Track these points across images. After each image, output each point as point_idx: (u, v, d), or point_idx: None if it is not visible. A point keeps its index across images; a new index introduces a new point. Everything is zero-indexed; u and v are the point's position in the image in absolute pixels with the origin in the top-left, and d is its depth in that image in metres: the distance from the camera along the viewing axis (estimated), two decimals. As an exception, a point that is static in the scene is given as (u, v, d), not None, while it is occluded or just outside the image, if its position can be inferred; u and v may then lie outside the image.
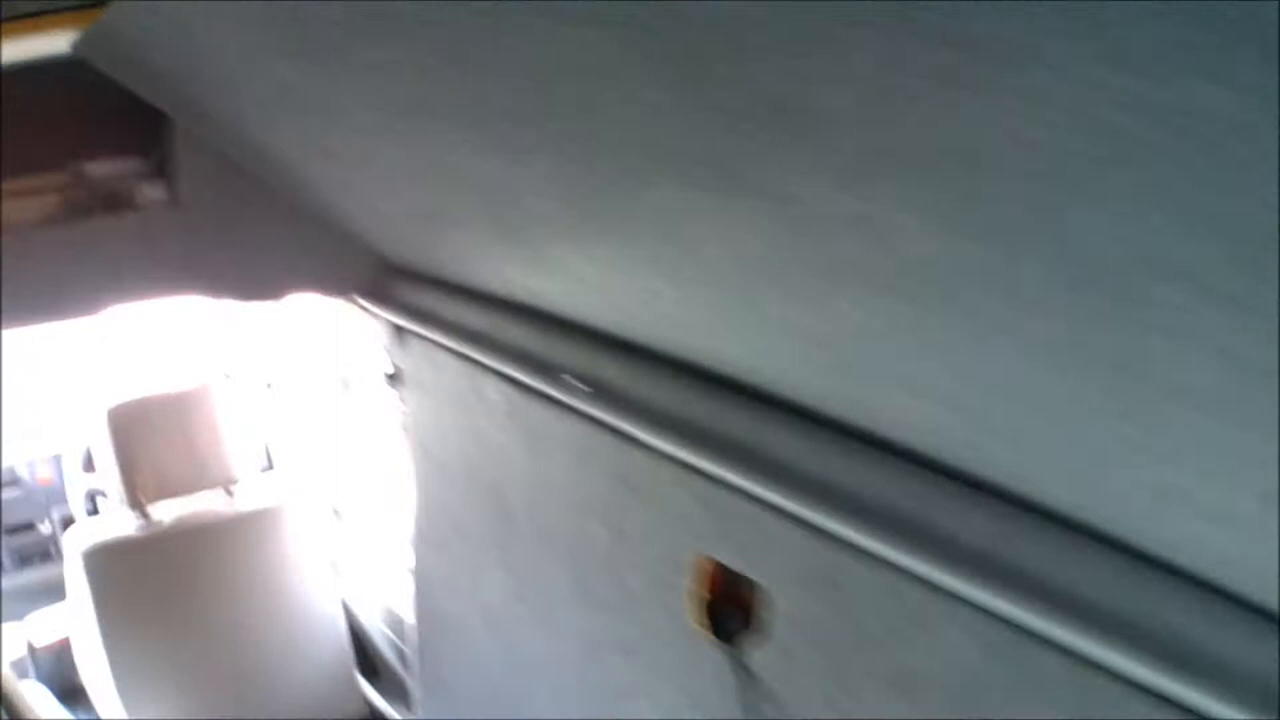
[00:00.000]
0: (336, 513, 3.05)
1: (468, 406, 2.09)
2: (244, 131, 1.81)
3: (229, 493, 2.69)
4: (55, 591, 3.20)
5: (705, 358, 1.33)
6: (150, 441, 2.61)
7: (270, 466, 3.29)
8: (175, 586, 2.64)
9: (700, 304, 1.18)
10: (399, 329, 2.22)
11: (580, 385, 1.56)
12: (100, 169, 2.26)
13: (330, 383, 2.97)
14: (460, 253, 1.82)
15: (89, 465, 3.18)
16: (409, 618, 2.57)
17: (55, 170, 2.27)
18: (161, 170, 2.08)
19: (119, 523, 2.64)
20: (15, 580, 3.32)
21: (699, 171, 0.87)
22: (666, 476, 1.44)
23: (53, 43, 1.85)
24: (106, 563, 2.58)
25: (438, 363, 2.14)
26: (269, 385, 3.32)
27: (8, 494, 3.29)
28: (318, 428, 3.16)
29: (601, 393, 1.54)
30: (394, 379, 2.35)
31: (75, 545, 2.60)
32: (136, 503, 2.59)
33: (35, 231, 2.06)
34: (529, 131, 1.05)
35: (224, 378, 3.20)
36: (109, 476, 2.65)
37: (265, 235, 2.04)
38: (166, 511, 2.66)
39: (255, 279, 2.05)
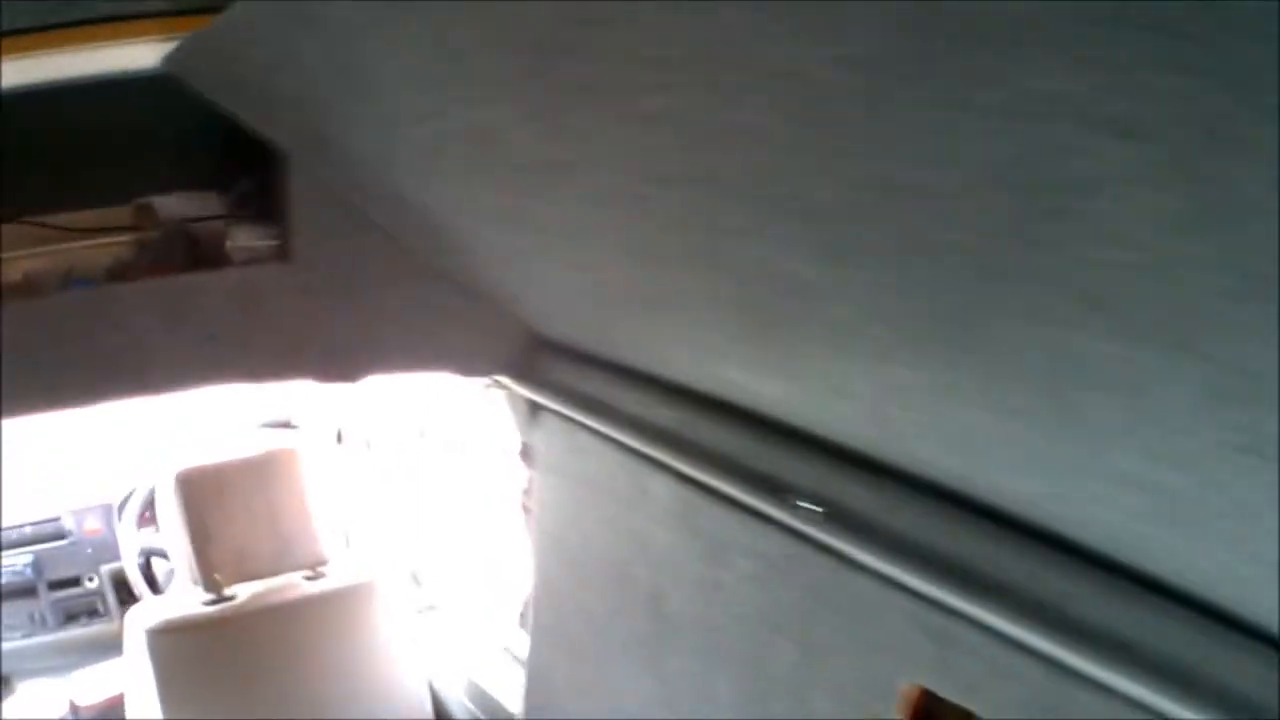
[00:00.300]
0: (416, 580, 2.64)
1: (623, 500, 1.78)
2: (381, 176, 1.40)
3: (319, 574, 2.27)
4: (100, 649, 2.83)
5: (959, 481, 1.13)
6: (228, 515, 2.19)
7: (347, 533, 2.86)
8: (249, 669, 2.24)
9: (1007, 438, 0.97)
10: (534, 405, 1.82)
11: (813, 508, 1.29)
12: (181, 209, 1.84)
13: (419, 445, 2.56)
14: (648, 337, 1.45)
15: (144, 519, 2.75)
16: (512, 705, 2.27)
17: (128, 207, 1.87)
18: (268, 215, 1.65)
19: (187, 599, 2.22)
20: (58, 636, 2.90)
21: (1141, 318, 0.68)
22: (877, 596, 1.24)
23: (137, 55, 1.47)
24: (174, 643, 2.19)
25: (585, 448, 1.78)
26: (339, 437, 2.89)
27: (52, 546, 2.87)
28: (400, 492, 2.75)
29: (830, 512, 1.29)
30: (521, 456, 1.96)
31: (139, 622, 2.19)
32: (212, 585, 2.17)
33: (105, 287, 1.64)
34: (869, 228, 0.78)
35: (293, 429, 2.79)
36: (177, 551, 2.24)
37: (394, 301, 1.63)
38: (242, 587, 2.24)
39: (380, 355, 1.64)
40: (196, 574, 2.19)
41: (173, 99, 1.65)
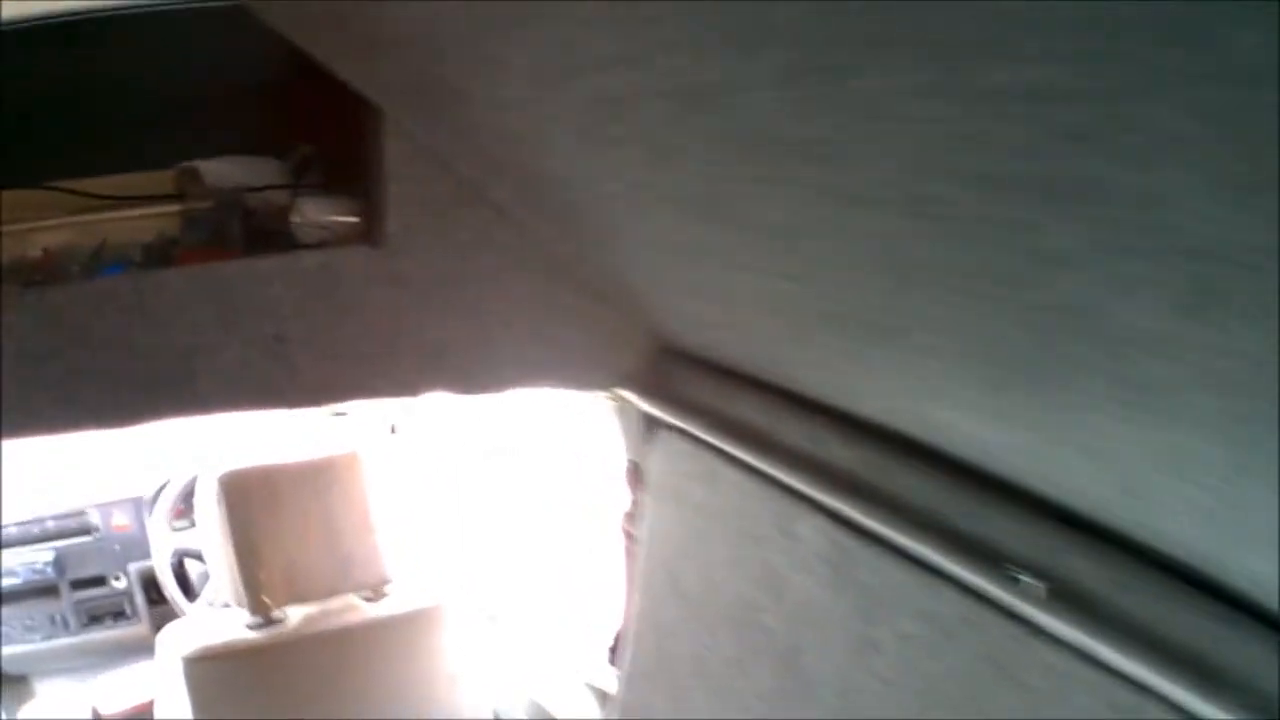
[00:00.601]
0: (475, 589, 2.30)
1: (759, 538, 1.46)
2: (511, 142, 1.04)
3: (380, 595, 1.92)
4: (126, 651, 2.56)
5: (1197, 559, 0.96)
6: (278, 527, 1.84)
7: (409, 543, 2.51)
8: (298, 701, 1.90)
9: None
10: (652, 421, 1.48)
11: (1036, 582, 1.07)
12: (232, 175, 1.48)
13: (480, 443, 2.21)
14: (833, 363, 1.14)
15: (177, 512, 2.41)
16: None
17: (169, 172, 1.51)
18: (342, 186, 1.29)
19: (229, 620, 1.87)
20: (81, 639, 2.57)
21: None
22: (1064, 667, 1.05)
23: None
24: (214, 672, 1.85)
25: (714, 475, 1.49)
26: (393, 429, 2.53)
27: (76, 542, 2.53)
28: (460, 493, 2.40)
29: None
30: (628, 476, 1.61)
31: (174, 646, 1.85)
32: (259, 608, 1.82)
33: (142, 273, 1.27)
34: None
35: (340, 415, 2.43)
36: (219, 566, 1.89)
37: (504, 298, 1.27)
38: (292, 608, 1.89)
39: (486, 365, 1.28)
40: (241, 594, 1.83)
41: (234, 37, 1.30)
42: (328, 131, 1.43)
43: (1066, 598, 1.03)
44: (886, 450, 1.24)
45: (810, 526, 1.36)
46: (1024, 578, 1.07)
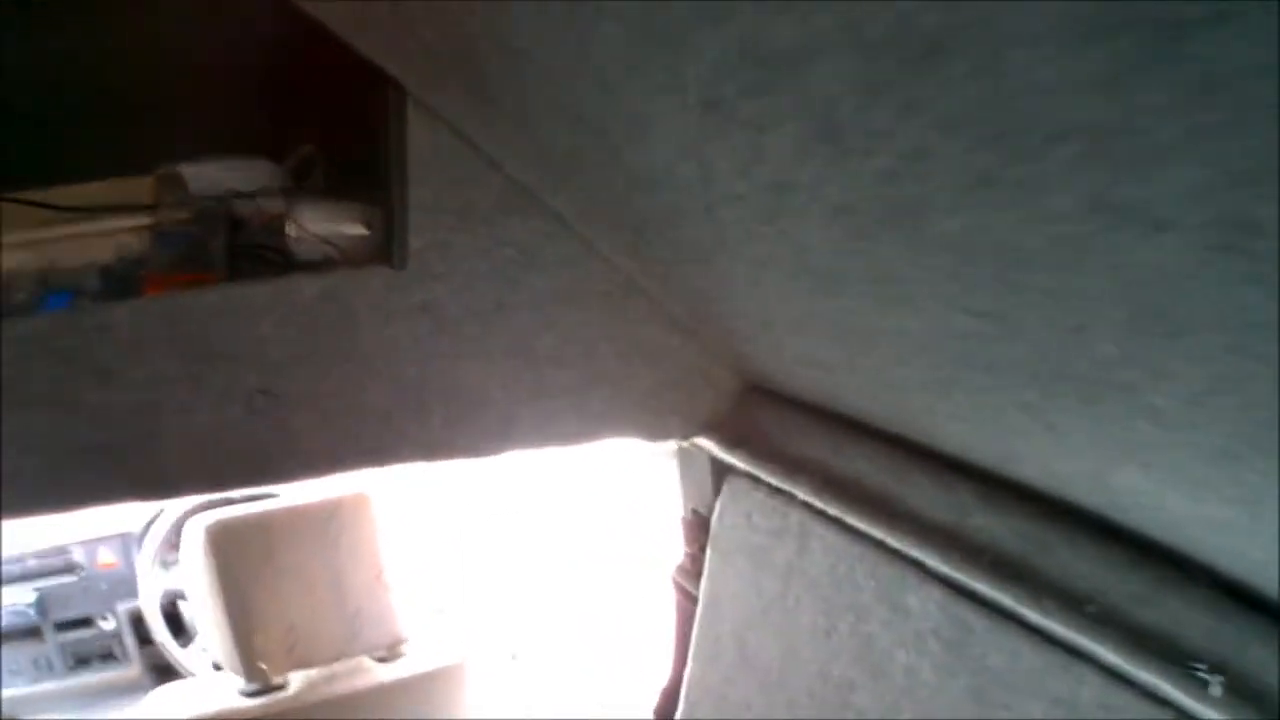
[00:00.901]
0: (514, 658, 1.99)
1: (857, 609, 1.18)
2: (581, 135, 0.73)
3: (395, 655, 1.59)
4: (117, 693, 2.25)
5: None
6: (276, 585, 1.52)
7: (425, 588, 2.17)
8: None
9: None
10: (722, 465, 1.17)
11: (1213, 678, 0.85)
12: (221, 180, 1.17)
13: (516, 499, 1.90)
14: (978, 412, 0.85)
15: (168, 553, 2.08)
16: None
17: (146, 178, 1.20)
18: (364, 192, 0.96)
19: (224, 686, 1.54)
20: (67, 683, 2.25)
21: None
22: None
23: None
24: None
25: (803, 532, 1.21)
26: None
27: (59, 582, 2.19)
28: (492, 537, 2.08)
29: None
30: (686, 526, 1.30)
31: (161, 715, 1.52)
32: (256, 676, 1.49)
33: (94, 305, 0.94)
34: None
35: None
36: (209, 629, 1.56)
37: (559, 333, 0.94)
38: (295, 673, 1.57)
39: (535, 418, 0.95)
40: (235, 661, 1.50)
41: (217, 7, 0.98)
42: (334, 124, 1.11)
43: (1239, 690, 0.81)
44: (1040, 519, 0.95)
45: (923, 598, 1.08)
46: (1210, 678, 0.84)
